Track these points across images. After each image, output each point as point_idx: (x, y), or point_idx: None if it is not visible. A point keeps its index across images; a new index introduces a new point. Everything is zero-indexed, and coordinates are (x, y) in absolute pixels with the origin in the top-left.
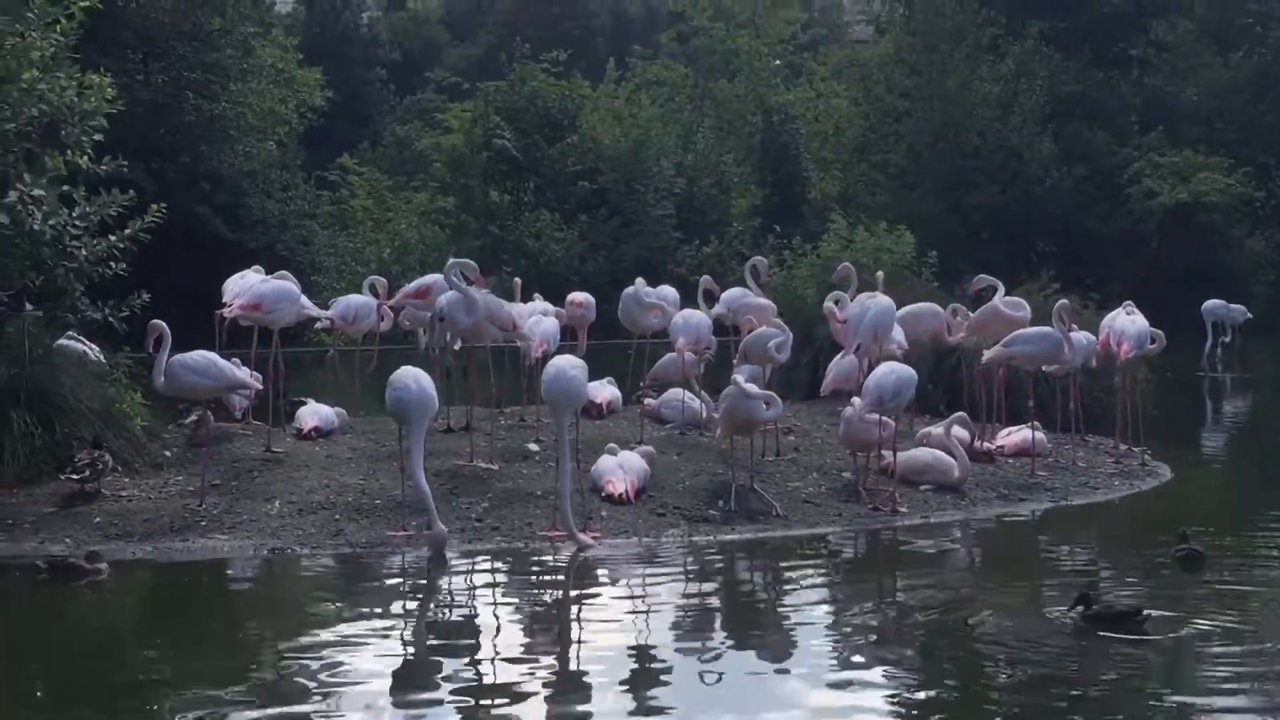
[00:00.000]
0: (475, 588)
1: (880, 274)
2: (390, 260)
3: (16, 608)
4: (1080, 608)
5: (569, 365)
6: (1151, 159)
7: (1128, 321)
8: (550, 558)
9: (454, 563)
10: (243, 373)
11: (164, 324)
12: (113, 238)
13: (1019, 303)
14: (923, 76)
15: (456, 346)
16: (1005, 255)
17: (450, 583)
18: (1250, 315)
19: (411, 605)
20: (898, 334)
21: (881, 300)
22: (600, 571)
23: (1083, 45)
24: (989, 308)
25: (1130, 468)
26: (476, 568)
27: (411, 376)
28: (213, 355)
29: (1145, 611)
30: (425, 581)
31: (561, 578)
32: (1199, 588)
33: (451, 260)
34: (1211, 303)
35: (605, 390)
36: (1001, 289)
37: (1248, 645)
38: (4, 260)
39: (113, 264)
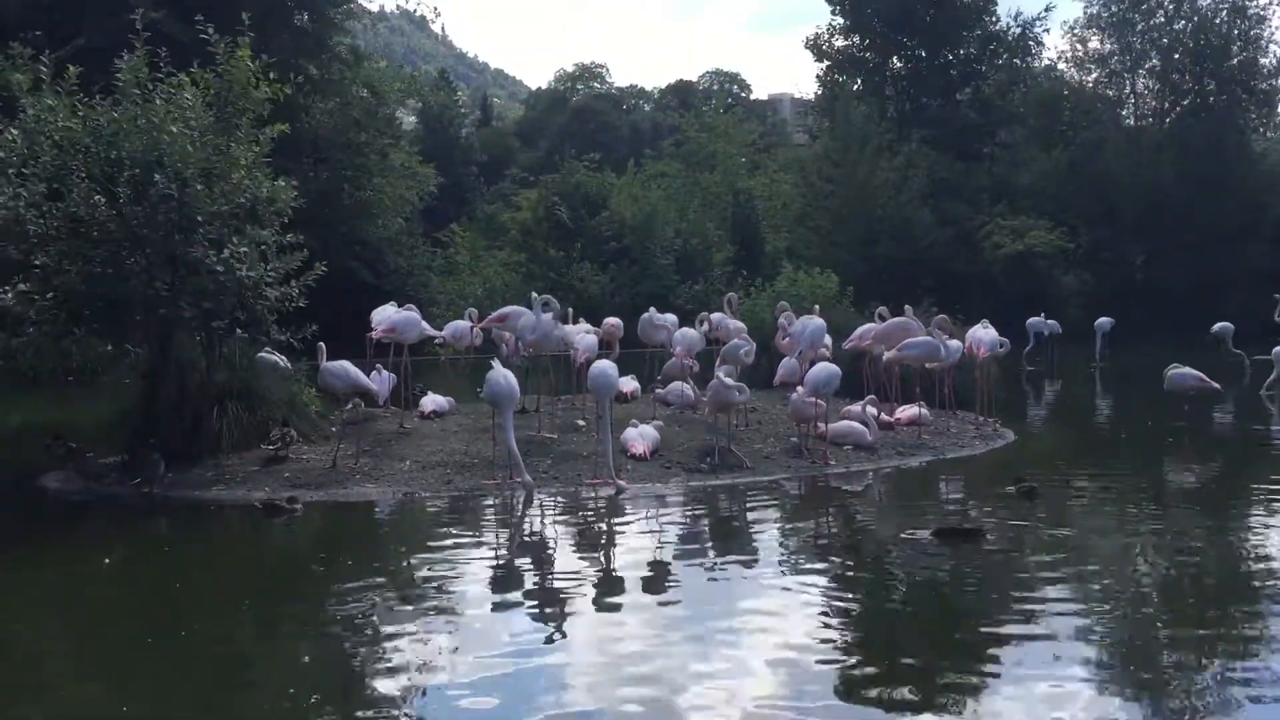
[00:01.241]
0: (544, 518)
1: (817, 306)
2: (482, 297)
3: (239, 532)
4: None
5: (607, 366)
6: (998, 222)
7: (984, 333)
8: (593, 497)
9: (532, 503)
10: (374, 379)
11: (323, 344)
12: (293, 283)
13: (907, 320)
14: (841, 168)
15: (528, 352)
16: (900, 289)
17: (528, 514)
18: (1061, 330)
19: (502, 531)
20: (828, 340)
21: (816, 320)
22: (628, 506)
23: (951, 145)
24: (889, 324)
25: (986, 433)
26: (545, 505)
27: (501, 374)
28: (348, 365)
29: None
30: (510, 515)
31: (602, 509)
32: (1036, 511)
33: (540, 296)
34: (1033, 319)
35: (630, 383)
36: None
37: (1067, 553)
38: (221, 298)
39: (290, 302)
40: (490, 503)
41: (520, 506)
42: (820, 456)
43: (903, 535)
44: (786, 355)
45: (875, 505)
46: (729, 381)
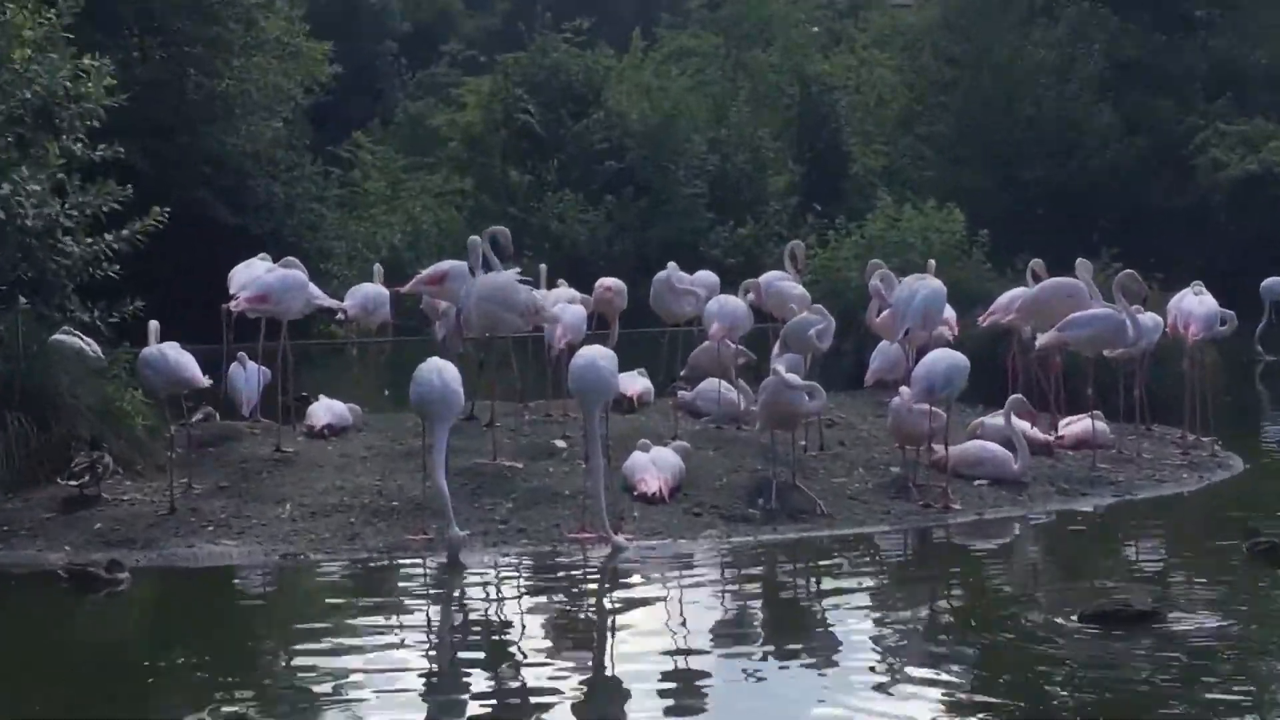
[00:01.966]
0: (500, 595)
1: (932, 262)
2: (404, 245)
3: (25, 618)
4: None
5: (598, 356)
6: (1218, 127)
7: (1195, 302)
8: (580, 561)
9: (477, 568)
10: (233, 376)
11: (155, 323)
12: (108, 236)
13: (1076, 283)
14: (971, 43)
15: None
16: (1062, 233)
17: (473, 590)
18: None
19: (433, 614)
20: (950, 314)
21: (930, 283)
22: (632, 576)
23: (1143, 7)
24: (1044, 287)
25: (1199, 459)
26: (501, 573)
27: (435, 370)
28: (173, 349)
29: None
30: (446, 589)
31: (592, 583)
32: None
33: (487, 231)
34: (1273, 280)
35: (636, 382)
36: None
37: None
38: None
39: (102, 262)
40: (416, 572)
41: (453, 578)
42: (938, 497)
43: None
44: (884, 338)
45: (1024, 577)
46: (793, 379)
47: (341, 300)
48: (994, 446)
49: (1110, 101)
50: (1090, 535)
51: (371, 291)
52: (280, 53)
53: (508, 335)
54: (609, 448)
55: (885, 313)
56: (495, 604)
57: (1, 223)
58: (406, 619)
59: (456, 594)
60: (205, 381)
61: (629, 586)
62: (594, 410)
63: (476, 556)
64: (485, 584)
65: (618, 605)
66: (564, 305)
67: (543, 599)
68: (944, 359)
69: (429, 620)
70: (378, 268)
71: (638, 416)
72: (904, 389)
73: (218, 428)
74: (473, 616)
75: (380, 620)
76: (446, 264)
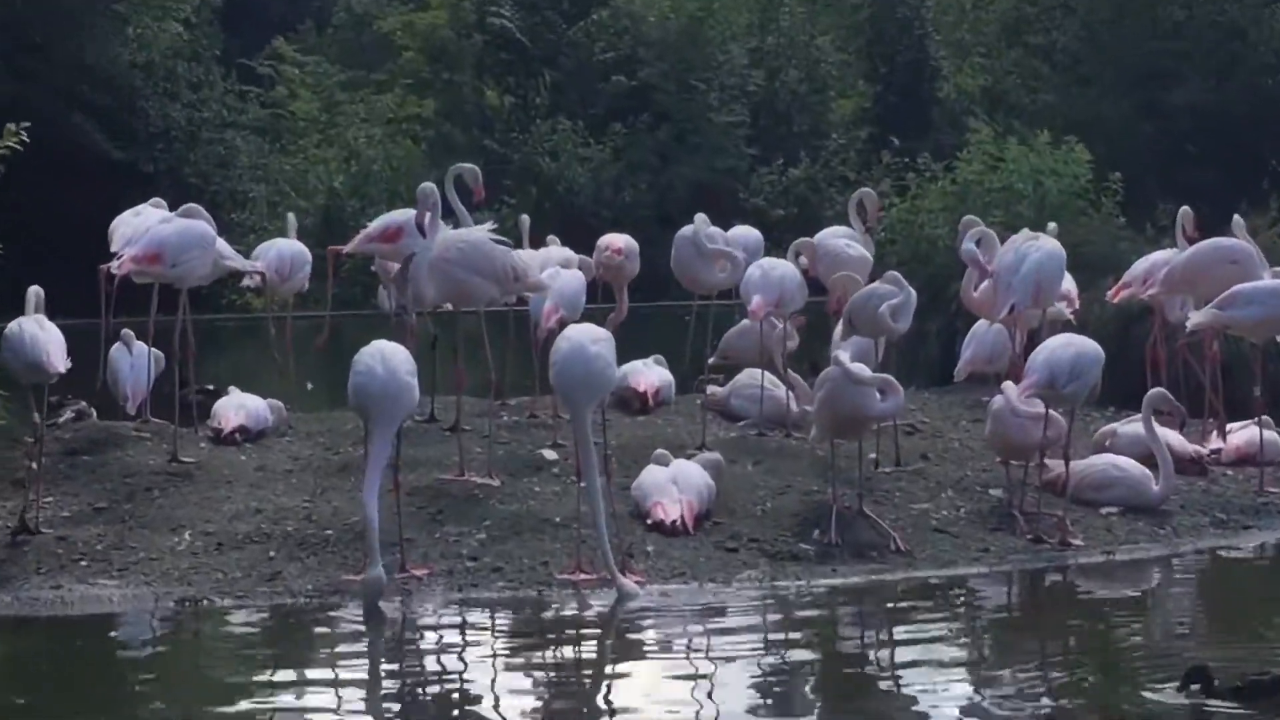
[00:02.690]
0: (464, 657)
1: (1052, 226)
2: (345, 189)
3: None
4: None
5: (588, 339)
6: None
7: None
8: (574, 611)
9: (435, 619)
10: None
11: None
12: None
13: (1241, 245)
14: None
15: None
16: (1221, 176)
17: (428, 649)
18: None
19: (375, 681)
20: (1070, 286)
21: (1046, 244)
22: (644, 633)
23: None
24: (1199, 250)
25: None
26: (469, 627)
27: (380, 356)
28: (32, 325)
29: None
30: (393, 648)
31: (590, 642)
32: None
33: (453, 169)
34: None
35: (651, 373)
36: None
37: None
38: None
39: None
40: (356, 625)
41: (397, 633)
42: (1052, 530)
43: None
44: (981, 316)
45: (1165, 640)
46: (859, 371)
47: (256, 262)
48: (1128, 463)
49: None
50: (1255, 583)
51: (286, 249)
52: None
53: (479, 310)
54: (609, 460)
55: (984, 284)
56: (457, 670)
57: None
58: (340, 688)
59: (407, 654)
60: (60, 366)
61: (638, 647)
62: (584, 412)
63: (435, 603)
64: (446, 642)
65: (622, 673)
66: (555, 270)
67: (521, 661)
68: (1070, 345)
69: (369, 688)
70: (291, 218)
71: (653, 419)
72: (1008, 385)
73: (94, 430)
74: (428, 688)
75: (304, 687)
76: (403, 214)
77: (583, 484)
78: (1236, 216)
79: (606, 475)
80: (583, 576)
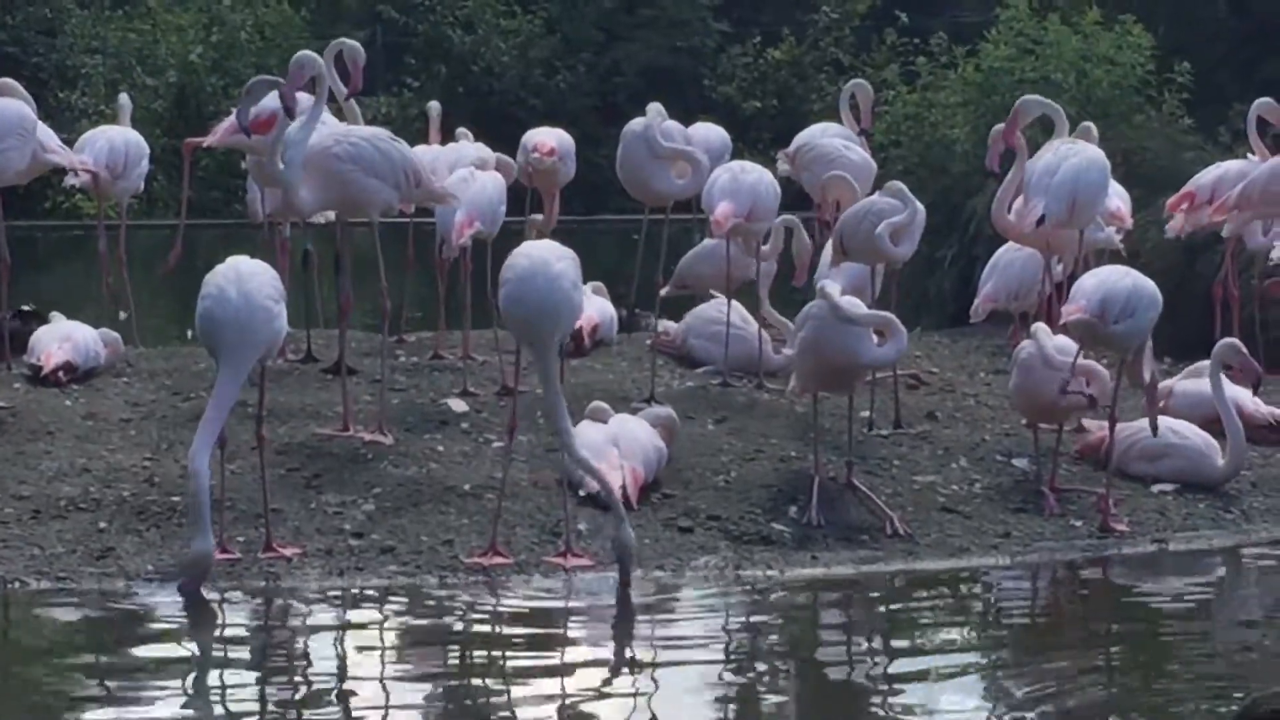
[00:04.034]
0: (343, 661)
1: (1090, 127)
2: (203, 64)
3: None
4: None
5: (552, 256)
6: None
7: None
8: (485, 603)
9: (306, 613)
10: None
11: None
12: None
13: None
14: None
15: (321, 219)
16: None
17: (297, 649)
18: None
19: (231, 682)
20: (1119, 203)
21: (1087, 150)
22: (571, 633)
23: None
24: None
25: None
26: (350, 622)
27: (234, 276)
28: None
29: None
30: (255, 645)
31: (502, 641)
32: None
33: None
34: None
35: (589, 306)
36: None
37: None
38: None
39: None
40: (208, 610)
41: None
42: (1099, 512)
43: None
44: (1010, 238)
45: (1230, 651)
46: (851, 306)
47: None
48: (1188, 428)
49: None
50: None
51: (118, 139)
52: None
53: (372, 220)
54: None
55: (1016, 204)
56: (334, 675)
57: None
58: (183, 698)
59: (271, 655)
60: None
61: (561, 653)
62: (550, 345)
63: (309, 590)
64: (319, 642)
65: (538, 686)
66: (467, 173)
67: (415, 667)
68: (1127, 276)
69: (218, 697)
70: (124, 99)
71: (590, 363)
72: (1040, 328)
73: None
74: (295, 698)
75: (137, 694)
76: (264, 100)
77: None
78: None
79: (509, 433)
80: (498, 560)
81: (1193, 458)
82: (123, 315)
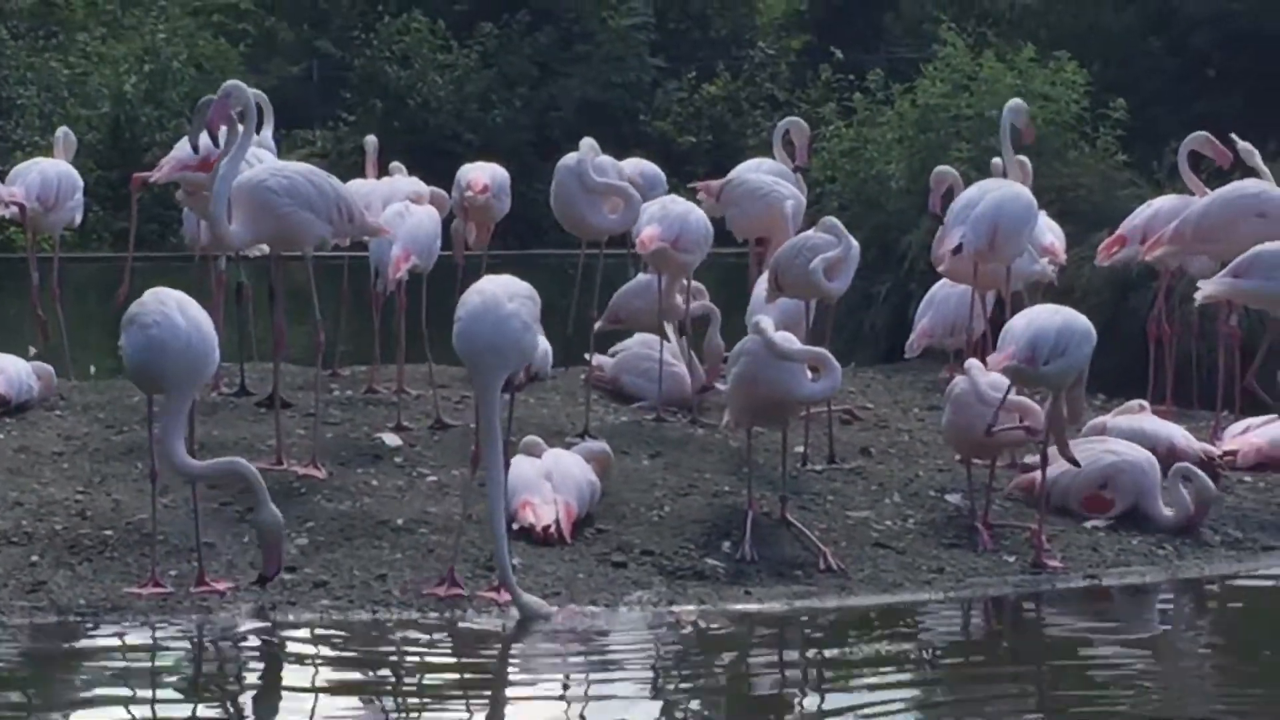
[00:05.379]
0: (279, 693)
1: (1023, 160)
2: (137, 96)
3: None
4: None
5: (505, 293)
6: None
7: None
8: (418, 640)
9: (245, 645)
10: None
11: None
12: None
13: (1269, 192)
14: None
15: (255, 253)
16: (1247, 106)
17: (234, 681)
18: None
19: (162, 717)
20: (1051, 236)
21: (1012, 185)
22: (503, 669)
23: None
24: (1218, 198)
25: None
26: (284, 654)
27: (173, 305)
28: None
29: None
30: (190, 674)
31: (435, 677)
32: None
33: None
34: None
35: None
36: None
37: None
38: None
39: None
40: (144, 650)
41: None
42: (1032, 547)
43: None
44: (946, 274)
45: (1164, 693)
46: (784, 341)
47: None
48: (1127, 446)
49: None
50: (1277, 621)
51: (50, 171)
52: None
53: (304, 254)
54: (509, 445)
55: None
56: (265, 710)
57: None
58: None
59: (203, 692)
60: None
61: (493, 690)
62: (494, 385)
63: (241, 625)
64: (252, 677)
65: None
66: (402, 207)
67: (345, 702)
68: (1058, 313)
69: None
70: (64, 133)
71: (523, 398)
72: (973, 364)
73: None
74: None
75: None
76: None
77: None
78: (1245, 144)
79: (472, 466)
80: (453, 592)
81: (1138, 489)
82: (32, 351)
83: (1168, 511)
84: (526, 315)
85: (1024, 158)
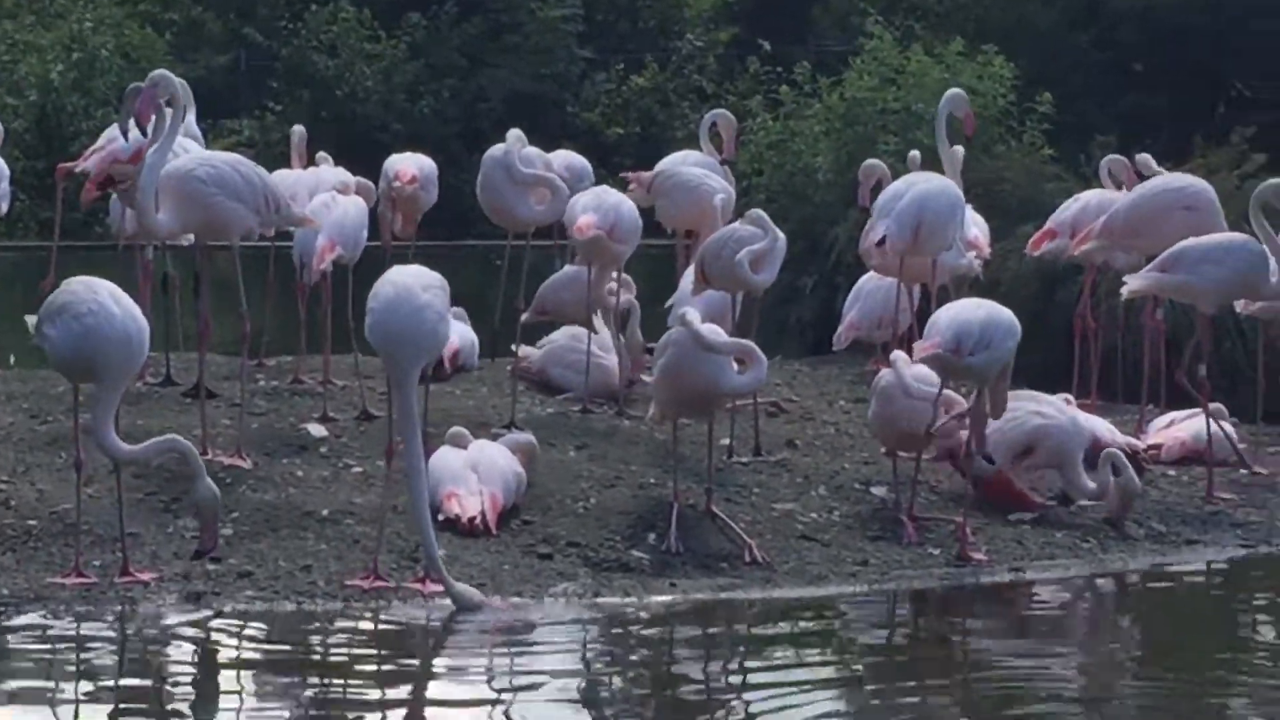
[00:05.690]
0: (202, 683)
1: (958, 150)
2: (64, 84)
3: None
4: None
5: (418, 283)
6: None
7: None
8: (344, 629)
9: (170, 635)
10: None
11: None
12: None
13: (1197, 187)
14: None
15: (183, 242)
16: (1173, 101)
17: (157, 673)
18: None
19: (87, 708)
20: (975, 230)
21: (938, 179)
22: (427, 660)
23: None
24: (1145, 192)
25: None
26: (209, 645)
27: (105, 295)
28: None
29: None
30: (113, 665)
31: (360, 669)
32: None
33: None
34: None
35: (452, 331)
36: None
37: None
38: None
39: None
40: (68, 640)
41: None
42: (957, 540)
43: None
44: (873, 267)
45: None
46: (710, 333)
47: None
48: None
49: None
50: (1200, 615)
51: None
52: None
53: (230, 244)
54: (429, 436)
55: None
56: (189, 700)
57: None
58: None
59: (124, 687)
60: None
61: (417, 681)
62: (411, 376)
63: (165, 616)
64: (176, 667)
65: (397, 713)
66: (329, 197)
67: (269, 692)
68: (981, 306)
69: None
70: None
71: (449, 389)
72: (899, 356)
73: None
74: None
75: None
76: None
77: (405, 467)
78: (1143, 157)
79: (388, 458)
80: (377, 583)
81: (1062, 437)
82: None
83: (1090, 483)
84: (440, 305)
85: (959, 148)
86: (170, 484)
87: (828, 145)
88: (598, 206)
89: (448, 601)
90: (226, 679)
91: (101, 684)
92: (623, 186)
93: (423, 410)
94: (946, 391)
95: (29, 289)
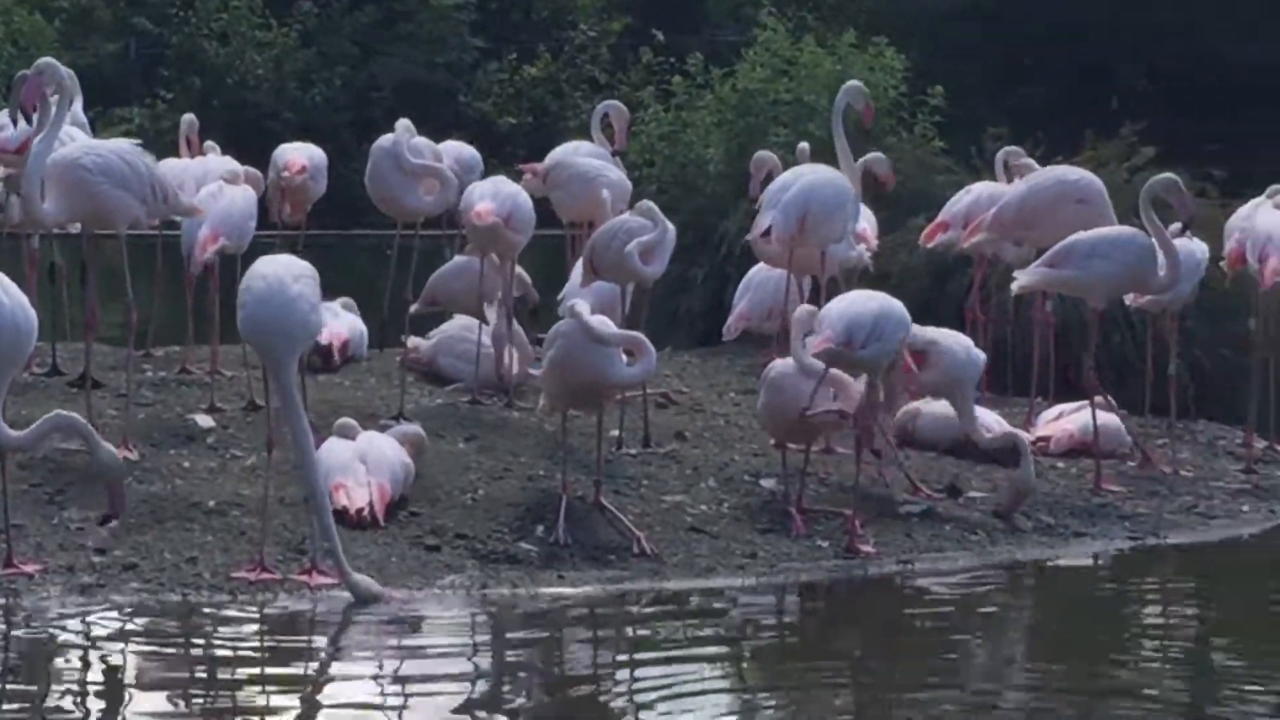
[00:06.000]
0: (86, 674)
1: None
2: None
3: None
4: None
5: (288, 275)
6: None
7: (1278, 221)
8: (228, 622)
9: (53, 628)
10: None
11: None
12: None
13: (1088, 180)
14: None
15: (74, 230)
16: (1064, 94)
17: (41, 666)
18: None
19: None
20: (863, 222)
21: (826, 171)
22: (311, 652)
23: None
24: (1037, 184)
25: (1273, 480)
26: (93, 637)
27: None
28: None
29: None
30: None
31: (245, 660)
32: None
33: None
34: None
35: (338, 322)
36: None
37: None
38: None
39: None
40: None
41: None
42: (846, 533)
43: None
44: (763, 258)
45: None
46: (599, 325)
47: None
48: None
49: None
50: (1086, 607)
51: None
52: None
53: (118, 233)
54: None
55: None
56: (73, 693)
57: None
58: None
59: (12, 672)
60: None
61: (300, 673)
62: (289, 367)
63: (49, 608)
64: (61, 661)
65: (278, 706)
66: (217, 187)
67: (154, 685)
68: (874, 298)
69: None
70: None
71: (338, 379)
72: (791, 347)
73: None
74: (34, 713)
75: None
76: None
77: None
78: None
79: (269, 449)
80: (264, 576)
81: (952, 365)
82: None
83: (987, 432)
84: (311, 295)
85: (803, 144)
86: (55, 475)
87: (719, 136)
88: (495, 194)
89: (335, 593)
90: (110, 673)
91: None
92: (516, 177)
93: (311, 401)
94: (838, 372)
95: None
